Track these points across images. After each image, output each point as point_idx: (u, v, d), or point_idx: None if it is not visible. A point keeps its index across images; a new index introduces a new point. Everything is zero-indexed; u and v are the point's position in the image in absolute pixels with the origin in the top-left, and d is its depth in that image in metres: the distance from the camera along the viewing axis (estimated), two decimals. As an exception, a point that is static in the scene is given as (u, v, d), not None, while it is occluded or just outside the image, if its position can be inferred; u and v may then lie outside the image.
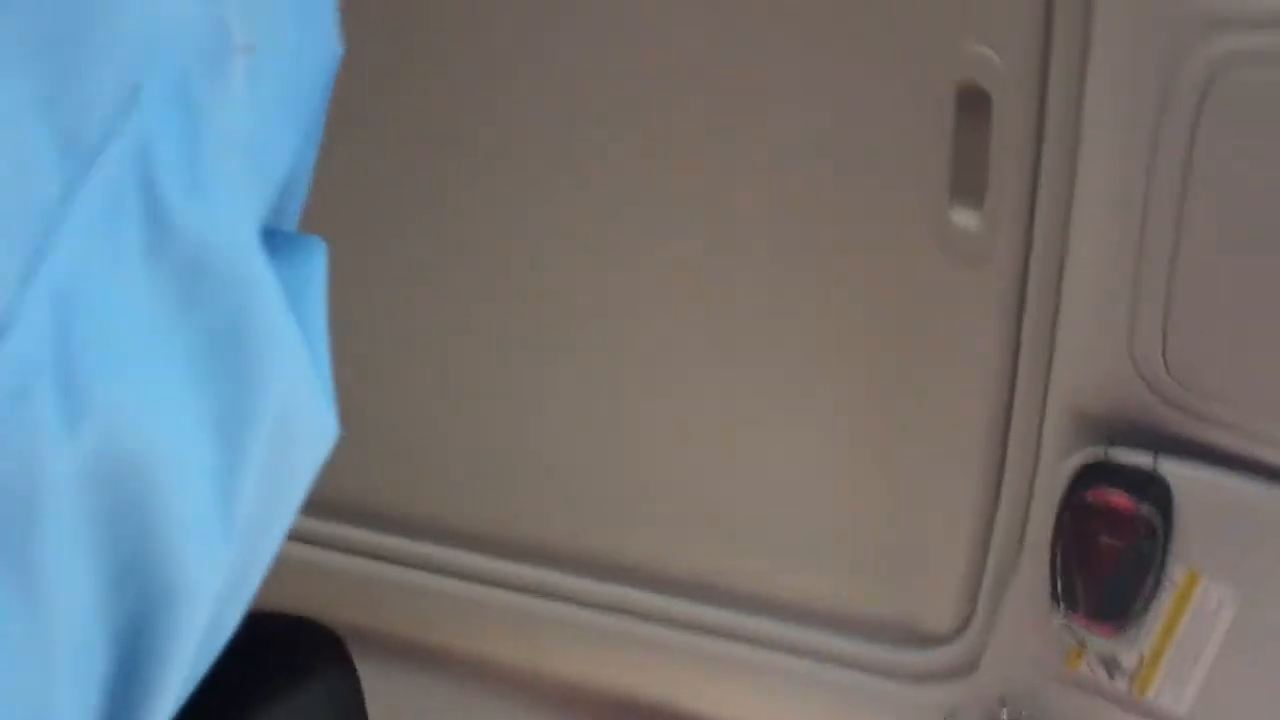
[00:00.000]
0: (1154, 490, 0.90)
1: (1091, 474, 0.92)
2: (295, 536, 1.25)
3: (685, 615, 1.20)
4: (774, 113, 0.94)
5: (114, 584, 0.31)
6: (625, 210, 1.04)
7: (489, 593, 1.26)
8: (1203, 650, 0.92)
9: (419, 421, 1.23)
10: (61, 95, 0.27)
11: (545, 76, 1.02)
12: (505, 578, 1.25)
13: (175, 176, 0.31)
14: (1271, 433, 0.85)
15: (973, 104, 0.85)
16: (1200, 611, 0.91)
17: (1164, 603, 0.92)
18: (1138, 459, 0.90)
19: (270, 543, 0.39)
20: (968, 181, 0.88)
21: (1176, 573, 0.91)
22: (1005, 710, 1.04)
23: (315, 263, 0.40)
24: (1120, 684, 0.97)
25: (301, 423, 0.38)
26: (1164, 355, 0.85)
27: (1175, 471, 0.89)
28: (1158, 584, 0.91)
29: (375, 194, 1.11)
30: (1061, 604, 0.94)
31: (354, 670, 1.06)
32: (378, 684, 1.08)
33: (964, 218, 0.90)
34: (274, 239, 0.37)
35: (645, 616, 1.21)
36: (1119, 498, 0.90)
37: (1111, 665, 0.97)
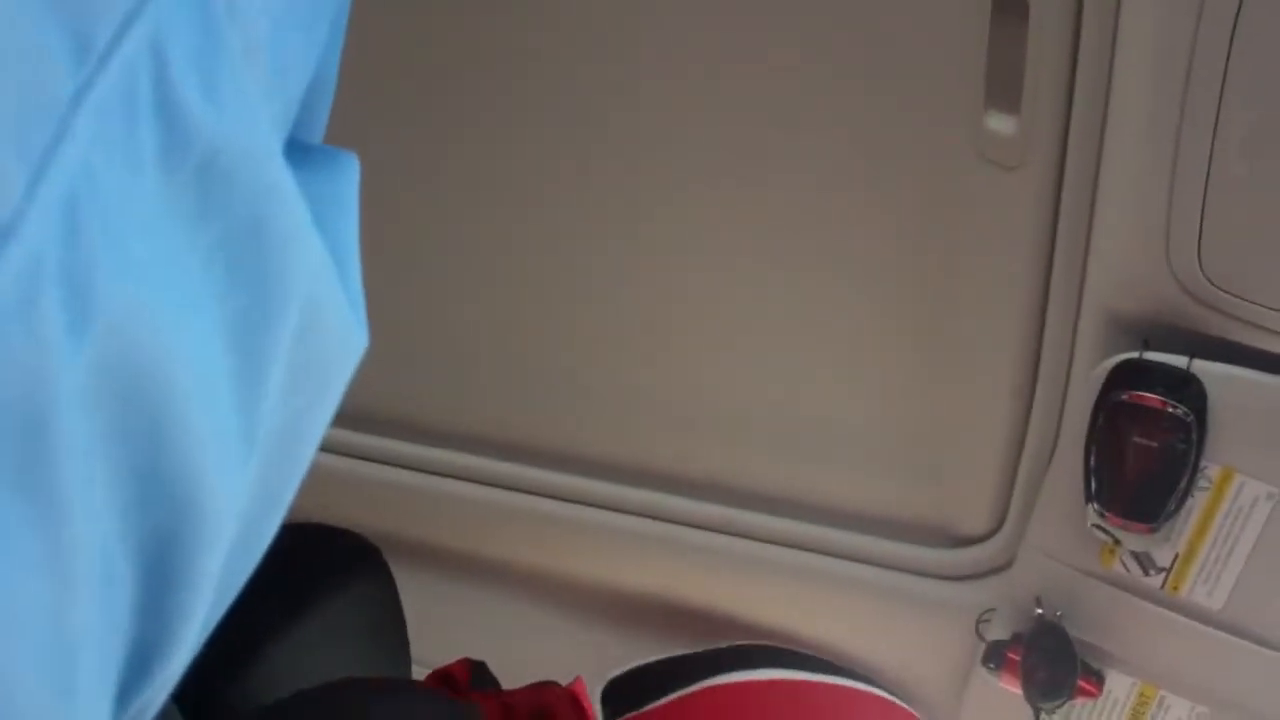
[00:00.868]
0: (1189, 391, 0.90)
1: (1126, 375, 0.92)
2: (329, 448, 1.28)
3: (723, 520, 1.21)
4: (809, 18, 0.93)
5: (133, 501, 0.31)
6: (653, 117, 1.03)
7: (520, 499, 1.28)
8: (1236, 547, 0.93)
9: (449, 332, 1.23)
10: None
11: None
12: (534, 484, 1.27)
13: (190, 78, 0.30)
14: (1307, 333, 0.85)
15: (1010, 7, 0.85)
16: (1234, 509, 0.92)
17: (1198, 501, 0.93)
18: (1173, 360, 0.91)
19: (300, 456, 0.38)
20: (1003, 87, 0.87)
21: (1211, 471, 0.91)
22: (1040, 607, 1.06)
23: (346, 175, 0.39)
24: (1154, 581, 0.98)
25: (326, 334, 0.37)
26: (1199, 258, 0.84)
27: (1209, 372, 0.89)
28: (1192, 482, 0.92)
29: (406, 103, 1.10)
30: (1096, 503, 0.95)
31: (390, 577, 1.08)
32: (412, 590, 1.10)
33: (999, 122, 0.89)
34: (304, 151, 0.37)
35: (683, 522, 1.23)
36: (1153, 398, 0.91)
37: (1146, 562, 0.98)
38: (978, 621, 1.13)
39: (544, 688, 0.91)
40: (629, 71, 1.01)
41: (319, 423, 0.39)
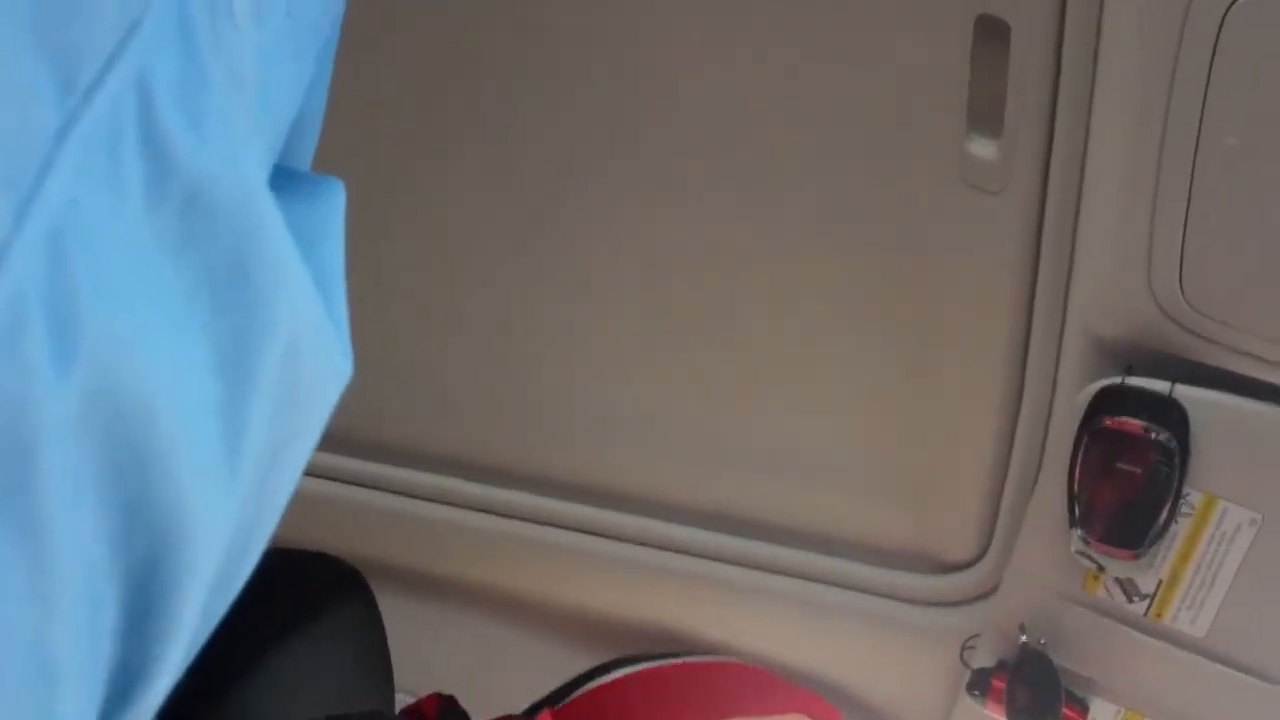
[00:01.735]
0: (1171, 416, 0.90)
1: (1109, 401, 0.92)
2: (313, 472, 1.26)
3: (707, 545, 1.21)
4: (789, 46, 0.93)
5: (118, 527, 0.31)
6: (630, 149, 1.03)
7: (502, 523, 1.27)
8: (1219, 574, 0.93)
9: (437, 355, 1.22)
10: (59, 28, 0.27)
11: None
12: (521, 509, 1.27)
13: (175, 112, 0.30)
14: (1288, 358, 0.85)
15: (991, 34, 0.85)
16: (1217, 535, 0.92)
17: (1182, 527, 0.93)
18: (1155, 386, 0.91)
19: (285, 483, 0.38)
20: (985, 111, 0.88)
21: (1194, 497, 0.92)
22: (1024, 633, 1.05)
23: (332, 202, 0.40)
24: (1138, 607, 0.98)
25: (312, 362, 0.37)
26: (1181, 283, 0.85)
27: (1192, 397, 0.90)
28: (1175, 508, 0.91)
29: (391, 127, 1.09)
30: (1079, 529, 0.95)
31: (374, 603, 1.07)
32: (396, 617, 1.09)
33: (981, 147, 0.90)
34: (289, 178, 0.37)
35: (667, 547, 1.22)
36: (1136, 424, 0.91)
37: (1130, 589, 0.98)
38: (963, 647, 1.12)
39: None
40: (621, 105, 1.01)
41: (304, 450, 0.39)
